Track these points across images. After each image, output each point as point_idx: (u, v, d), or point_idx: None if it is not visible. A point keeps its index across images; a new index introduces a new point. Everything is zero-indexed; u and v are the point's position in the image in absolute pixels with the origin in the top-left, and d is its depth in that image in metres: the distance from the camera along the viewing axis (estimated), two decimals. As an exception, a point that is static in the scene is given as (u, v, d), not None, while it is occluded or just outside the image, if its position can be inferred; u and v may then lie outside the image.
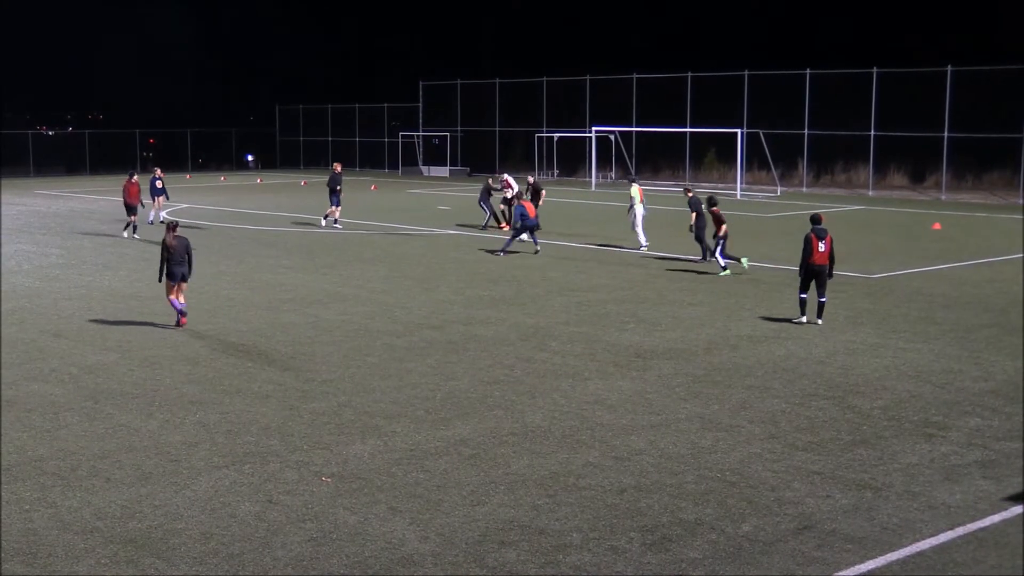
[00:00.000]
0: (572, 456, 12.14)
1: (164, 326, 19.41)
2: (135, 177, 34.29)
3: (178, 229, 19.65)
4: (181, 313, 19.46)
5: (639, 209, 30.08)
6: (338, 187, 36.64)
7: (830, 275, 19.67)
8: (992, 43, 56.51)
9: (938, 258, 28.91)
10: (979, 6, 59.67)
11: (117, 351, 17.45)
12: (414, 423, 13.45)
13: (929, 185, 55.07)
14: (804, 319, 19.59)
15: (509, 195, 34.96)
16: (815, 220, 19.92)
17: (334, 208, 36.63)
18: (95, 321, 20.01)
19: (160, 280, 19.56)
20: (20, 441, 12.70)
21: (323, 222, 37.27)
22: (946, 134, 51.57)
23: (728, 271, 25.52)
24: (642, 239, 30.09)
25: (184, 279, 19.43)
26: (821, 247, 19.34)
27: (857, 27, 64.58)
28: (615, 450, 12.36)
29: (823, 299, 19.67)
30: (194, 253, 19.87)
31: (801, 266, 19.61)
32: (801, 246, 19.72)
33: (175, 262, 19.24)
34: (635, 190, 30.36)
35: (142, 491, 11.01)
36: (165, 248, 19.25)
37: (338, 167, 37.89)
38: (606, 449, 12.39)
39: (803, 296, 19.66)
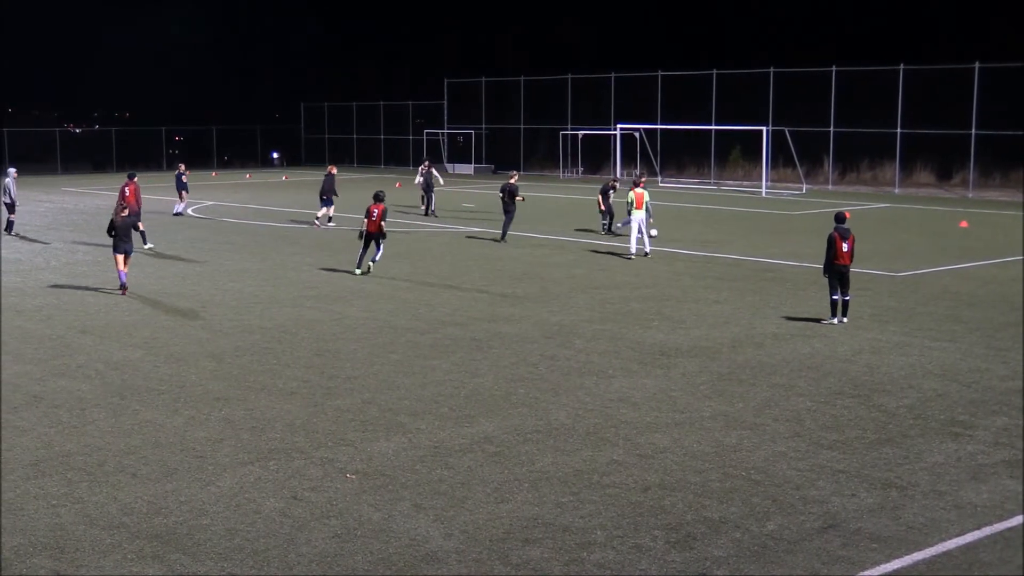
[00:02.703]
0: (596, 454, 12.13)
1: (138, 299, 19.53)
2: (135, 179, 32.45)
3: (128, 212, 23.10)
4: (123, 284, 22.64)
5: (636, 215, 28.22)
6: (332, 193, 36.27)
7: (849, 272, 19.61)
8: (1019, 39, 56.10)
9: (965, 256, 28.73)
10: (1008, 3, 59.21)
11: (143, 348, 17.54)
12: (438, 420, 13.47)
13: (956, 183, 54.73)
14: (835, 320, 19.48)
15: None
16: (839, 219, 19.84)
17: (327, 209, 36.47)
18: (121, 317, 20.13)
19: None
20: (47, 437, 12.78)
21: (326, 224, 36.44)
22: (973, 131, 51.25)
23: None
24: (633, 247, 28.30)
25: (128, 254, 22.80)
26: (844, 247, 19.25)
27: (883, 24, 64.21)
28: (639, 448, 12.35)
29: (847, 297, 19.58)
30: (144, 232, 24.34)
31: (825, 266, 19.52)
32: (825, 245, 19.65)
33: (122, 238, 22.58)
34: (632, 195, 28.35)
35: (168, 487, 11.07)
36: (113, 226, 22.69)
37: (333, 169, 37.42)
38: (630, 447, 12.38)
39: (835, 298, 19.52)
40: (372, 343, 17.94)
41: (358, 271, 25.16)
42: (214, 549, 9.54)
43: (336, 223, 36.51)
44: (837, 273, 19.37)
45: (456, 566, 9.20)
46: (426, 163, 42.59)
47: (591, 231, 34.48)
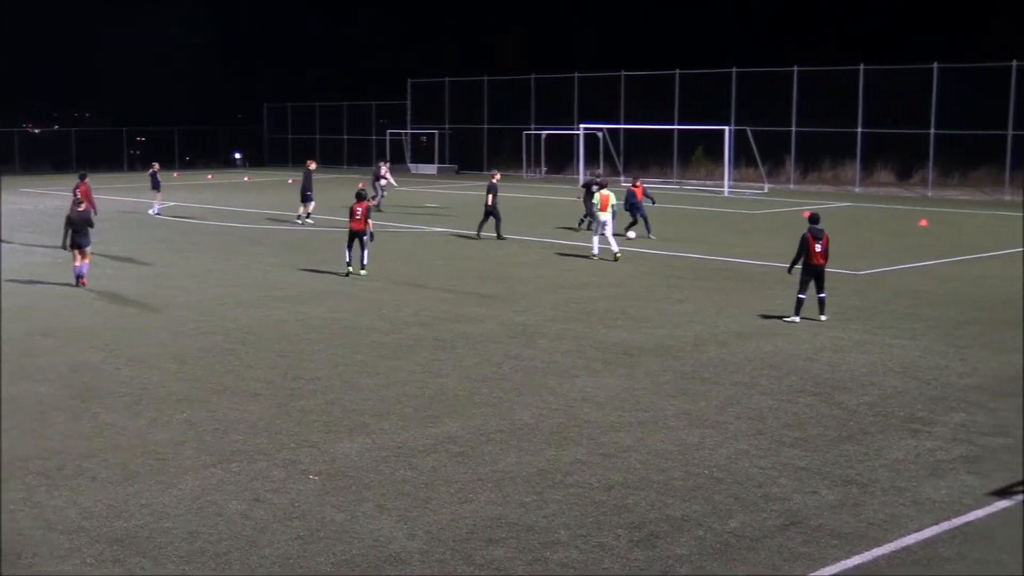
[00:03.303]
0: (560, 453, 12.15)
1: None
2: (86, 179, 32.55)
3: (83, 207, 23.91)
4: (80, 276, 23.38)
5: (601, 216, 27.95)
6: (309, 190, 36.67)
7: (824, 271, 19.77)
8: (978, 40, 56.69)
9: (924, 255, 28.99)
10: (966, 4, 59.77)
11: (104, 350, 17.41)
12: (402, 421, 13.45)
13: (916, 182, 55.20)
14: (797, 319, 19.57)
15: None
16: (813, 220, 20.00)
17: (306, 205, 36.62)
18: (81, 319, 19.98)
19: (64, 248, 23.76)
20: (6, 440, 12.66)
21: (305, 220, 37.03)
22: (932, 131, 51.72)
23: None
24: (595, 247, 28.16)
25: (82, 248, 23.33)
26: (818, 247, 19.40)
27: (844, 24, 64.65)
28: (603, 447, 12.38)
29: (823, 295, 19.71)
30: (94, 227, 24.07)
31: (792, 263, 19.65)
32: (796, 243, 19.77)
33: (78, 233, 23.28)
34: (597, 197, 28.20)
35: (128, 490, 10.99)
36: (70, 222, 23.38)
37: (312, 164, 37.66)
38: (594, 446, 12.41)
39: (801, 296, 19.63)
40: (336, 344, 17.89)
41: (350, 269, 25.05)
42: (175, 552, 9.48)
43: (313, 222, 36.49)
44: (812, 273, 19.52)
45: (420, 567, 9.19)
46: (381, 163, 44.01)
47: (559, 230, 34.52)
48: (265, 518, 10.25)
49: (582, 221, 34.26)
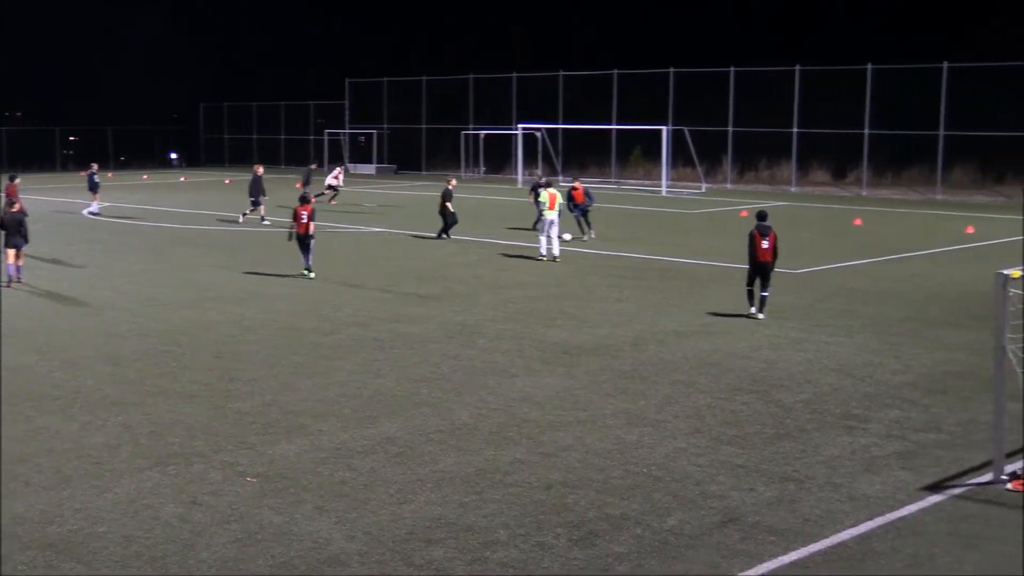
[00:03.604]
0: (499, 453, 12.15)
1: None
2: (16, 180, 33.51)
3: (17, 206, 24.20)
4: (14, 276, 23.44)
5: (548, 215, 27.67)
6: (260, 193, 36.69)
7: (771, 269, 19.96)
8: (911, 42, 57.49)
9: (859, 253, 29.34)
10: (898, 5, 60.59)
11: (37, 352, 17.15)
12: (341, 422, 13.38)
13: (850, 181, 55.88)
14: (754, 310, 19.95)
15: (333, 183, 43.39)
16: (760, 217, 20.18)
17: (255, 209, 36.47)
18: (13, 322, 19.67)
19: None
20: (-64, 445, 12.43)
21: (241, 220, 37.06)
22: (867, 131, 52.39)
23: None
24: (543, 247, 27.76)
25: (18, 248, 23.55)
26: (764, 244, 19.61)
27: (780, 25, 65.25)
28: (542, 446, 12.39)
29: (765, 293, 19.92)
30: (28, 226, 24.14)
31: (749, 260, 19.94)
32: (734, 242, 19.97)
33: (12, 233, 23.52)
34: (545, 195, 27.92)
35: (62, 494, 10.83)
36: (2, 223, 23.76)
37: (259, 169, 37.50)
38: (533, 445, 12.42)
39: (751, 288, 20.03)
40: (273, 345, 17.76)
41: (311, 275, 24.57)
42: (110, 557, 9.36)
43: (269, 223, 36.29)
44: (759, 269, 19.74)
45: (359, 568, 9.15)
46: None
47: (498, 230, 34.52)
48: (202, 521, 10.15)
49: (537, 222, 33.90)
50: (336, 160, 72.03)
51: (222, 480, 11.27)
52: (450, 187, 32.43)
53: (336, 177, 44.35)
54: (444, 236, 32.22)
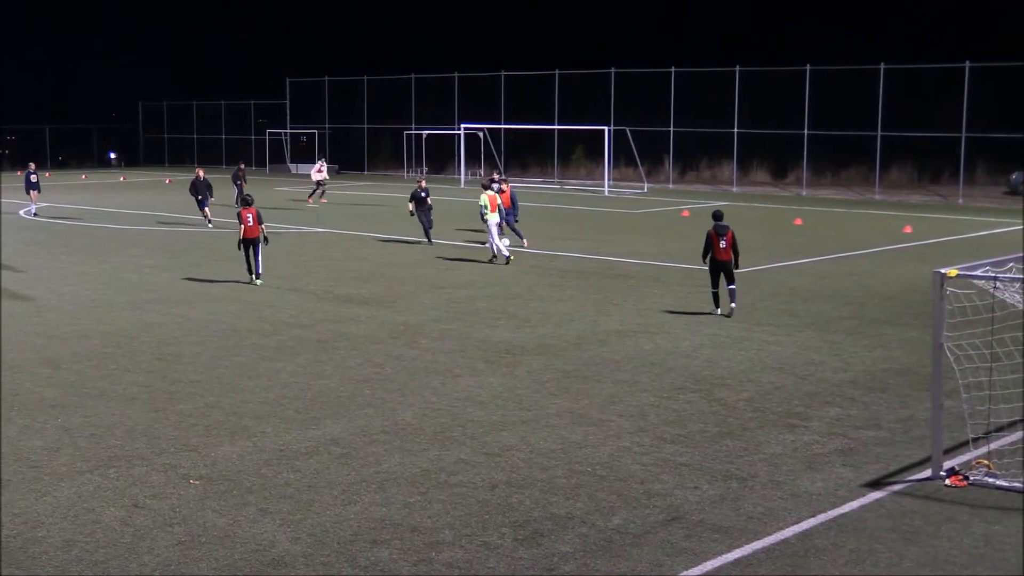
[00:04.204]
0: (443, 453, 12.14)
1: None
2: None
3: None
4: None
5: (491, 218, 27.44)
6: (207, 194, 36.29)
7: (736, 266, 20.15)
8: (849, 43, 58.21)
9: (799, 252, 29.63)
10: (836, 6, 61.27)
11: (-27, 355, 16.90)
12: (284, 423, 13.31)
13: (790, 181, 56.44)
14: (719, 311, 20.15)
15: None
16: (716, 216, 20.33)
17: (204, 207, 36.16)
18: (-51, 324, 19.36)
19: None
20: None
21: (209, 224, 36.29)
22: (806, 131, 52.90)
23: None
24: (494, 248, 27.36)
25: None
26: (722, 243, 19.80)
27: (721, 26, 65.76)
28: (486, 446, 12.40)
29: (732, 286, 20.12)
30: None
31: (703, 255, 20.19)
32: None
33: None
34: (485, 198, 27.57)
35: (1, 499, 10.68)
36: None
37: (200, 172, 36.96)
38: (477, 446, 12.43)
39: (715, 291, 20.28)
40: (215, 346, 17.62)
41: (258, 282, 23.89)
42: (50, 562, 9.24)
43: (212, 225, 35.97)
44: (719, 268, 19.97)
45: (303, 569, 9.11)
46: (321, 162, 48.46)
47: (444, 230, 34.45)
48: (144, 524, 10.05)
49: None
50: (279, 160, 71.74)
51: (164, 483, 11.17)
52: (419, 188, 31.46)
53: (319, 171, 44.76)
54: (429, 241, 31.25)
